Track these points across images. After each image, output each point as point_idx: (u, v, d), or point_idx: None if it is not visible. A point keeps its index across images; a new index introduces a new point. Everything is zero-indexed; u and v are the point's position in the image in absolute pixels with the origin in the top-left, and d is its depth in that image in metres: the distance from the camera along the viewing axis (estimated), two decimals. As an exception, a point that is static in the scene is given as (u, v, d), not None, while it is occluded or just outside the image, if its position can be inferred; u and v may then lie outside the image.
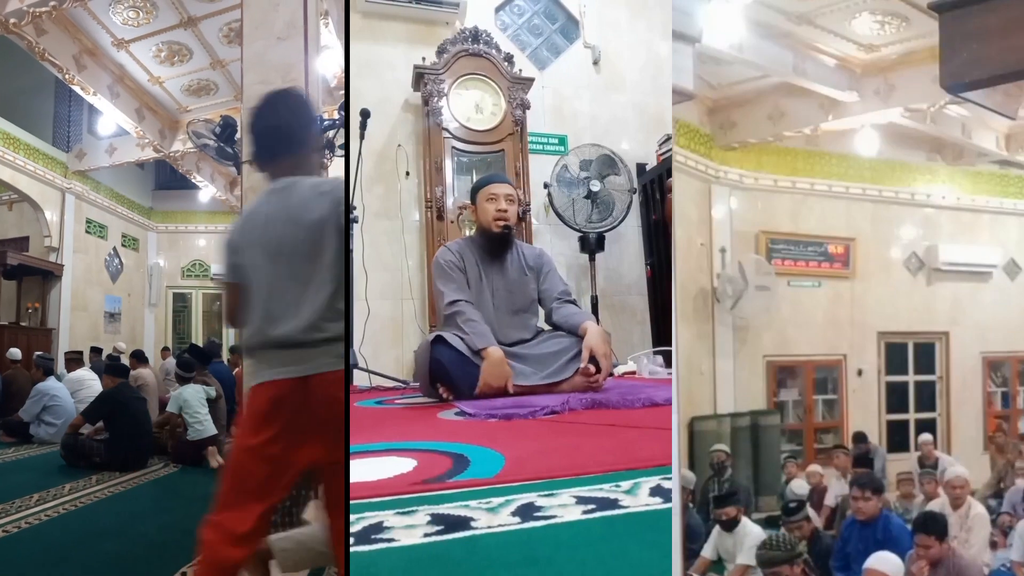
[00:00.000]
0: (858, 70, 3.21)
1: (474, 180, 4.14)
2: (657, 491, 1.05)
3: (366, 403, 3.06)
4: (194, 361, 4.64)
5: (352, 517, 0.97)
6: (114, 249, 7.94)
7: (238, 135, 3.20)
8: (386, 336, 4.71)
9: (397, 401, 3.05)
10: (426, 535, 0.88)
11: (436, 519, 0.95)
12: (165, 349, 7.90)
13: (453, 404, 2.46)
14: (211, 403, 4.45)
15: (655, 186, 4.98)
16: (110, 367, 4.54)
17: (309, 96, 2.80)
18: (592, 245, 4.76)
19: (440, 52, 4.76)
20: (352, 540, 0.87)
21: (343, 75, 4.35)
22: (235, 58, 4.56)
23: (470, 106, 4.75)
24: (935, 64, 2.26)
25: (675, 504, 1.05)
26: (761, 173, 3.38)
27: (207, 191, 7.31)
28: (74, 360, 5.57)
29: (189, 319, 8.91)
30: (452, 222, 4.55)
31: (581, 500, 1.01)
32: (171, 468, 4.23)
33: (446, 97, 4.67)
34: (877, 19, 2.96)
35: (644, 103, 5.55)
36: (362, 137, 4.03)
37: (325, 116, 3.23)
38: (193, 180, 6.98)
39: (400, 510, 1.00)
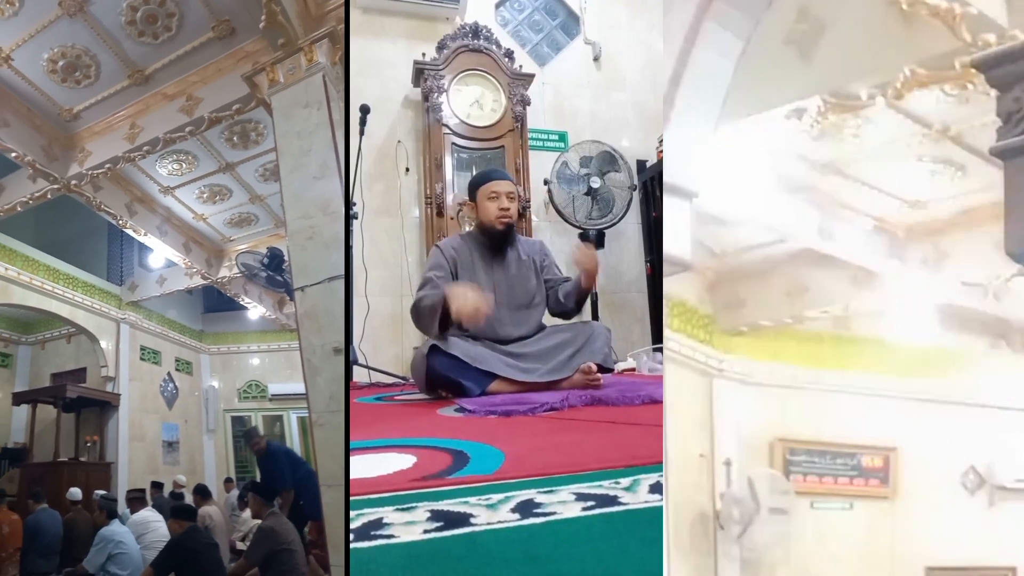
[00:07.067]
0: (901, 233, 2.57)
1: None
2: (657, 488, 1.05)
3: (365, 399, 3.06)
4: (261, 500, 3.90)
5: (352, 513, 0.97)
6: (168, 374, 7.93)
7: (286, 263, 3.25)
8: (386, 333, 4.71)
9: (397, 397, 3.05)
10: (425, 532, 0.88)
11: (435, 515, 0.95)
12: (228, 480, 7.40)
13: (453, 401, 2.46)
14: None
15: (655, 183, 4.97)
16: (176, 509, 4.04)
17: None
18: (592, 242, 4.75)
19: (440, 48, 4.75)
20: (352, 536, 0.87)
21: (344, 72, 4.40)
22: (272, 192, 5.10)
23: (470, 102, 4.74)
24: (999, 225, 1.76)
25: (666, 500, 1.04)
26: (777, 364, 2.69)
27: (256, 311, 7.51)
28: (137, 499, 5.05)
29: (250, 444, 8.63)
30: (452, 218, 4.54)
31: (581, 497, 1.01)
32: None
33: (446, 93, 4.66)
34: (925, 167, 2.32)
35: (644, 100, 5.54)
36: (362, 133, 4.02)
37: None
38: (241, 302, 7.24)
39: (399, 506, 1.00)
